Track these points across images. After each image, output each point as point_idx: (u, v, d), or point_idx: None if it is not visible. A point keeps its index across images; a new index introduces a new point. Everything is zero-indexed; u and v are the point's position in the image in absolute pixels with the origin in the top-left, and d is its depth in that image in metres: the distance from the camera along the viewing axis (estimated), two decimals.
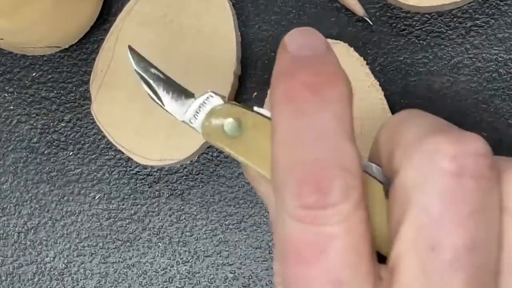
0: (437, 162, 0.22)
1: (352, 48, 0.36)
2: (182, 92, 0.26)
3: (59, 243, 0.39)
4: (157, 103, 0.26)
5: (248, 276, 0.37)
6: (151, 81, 0.26)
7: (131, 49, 0.27)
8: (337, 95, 0.23)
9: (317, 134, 0.23)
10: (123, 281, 0.38)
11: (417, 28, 0.37)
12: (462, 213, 0.22)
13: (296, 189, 0.22)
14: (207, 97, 0.26)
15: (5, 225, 0.40)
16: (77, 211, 0.39)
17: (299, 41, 0.24)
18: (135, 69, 0.26)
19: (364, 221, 0.23)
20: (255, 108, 0.25)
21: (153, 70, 0.27)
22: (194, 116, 0.26)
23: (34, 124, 0.40)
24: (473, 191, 0.22)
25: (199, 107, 0.26)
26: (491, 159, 0.22)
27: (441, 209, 0.22)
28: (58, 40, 0.39)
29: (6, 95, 0.41)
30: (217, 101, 0.26)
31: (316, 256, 0.22)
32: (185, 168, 0.38)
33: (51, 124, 0.40)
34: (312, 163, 0.22)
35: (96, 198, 0.39)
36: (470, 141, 0.22)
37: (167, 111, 0.26)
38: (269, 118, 0.25)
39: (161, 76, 0.27)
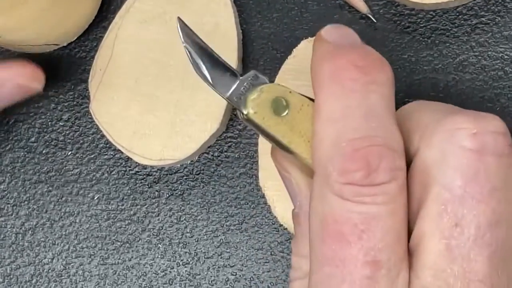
0: (458, 140, 0.22)
1: None
2: (227, 70, 0.26)
3: (58, 244, 0.39)
4: (202, 78, 0.26)
5: (250, 278, 0.37)
6: (197, 57, 0.26)
7: (180, 21, 0.26)
8: (384, 78, 0.24)
9: (365, 112, 0.23)
10: (123, 283, 0.38)
11: (422, 25, 0.37)
12: (484, 190, 0.22)
13: (343, 165, 0.22)
14: (252, 77, 0.26)
15: (3, 226, 0.39)
16: (75, 212, 0.39)
17: (336, 33, 0.25)
18: (182, 43, 0.26)
19: (406, 204, 0.23)
20: (296, 91, 0.26)
21: (200, 46, 0.26)
22: (239, 93, 0.26)
23: (32, 123, 0.40)
24: (494, 168, 0.22)
25: (245, 85, 0.26)
26: (510, 138, 0.23)
27: (463, 185, 0.22)
28: (56, 38, 0.38)
29: None
30: (262, 80, 0.26)
31: (357, 235, 0.22)
32: (185, 168, 0.38)
33: (49, 123, 0.40)
34: (361, 140, 0.22)
35: (95, 198, 0.39)
36: (489, 120, 0.23)
37: (212, 87, 0.26)
38: (313, 100, 0.25)
39: (208, 52, 0.26)
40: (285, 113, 0.25)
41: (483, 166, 0.22)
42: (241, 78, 0.26)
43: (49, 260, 0.39)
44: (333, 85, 0.23)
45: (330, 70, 0.24)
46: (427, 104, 0.26)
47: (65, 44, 0.40)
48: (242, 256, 0.37)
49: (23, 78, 0.36)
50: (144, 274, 0.38)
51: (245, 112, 0.25)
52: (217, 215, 0.38)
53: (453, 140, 0.22)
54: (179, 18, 0.26)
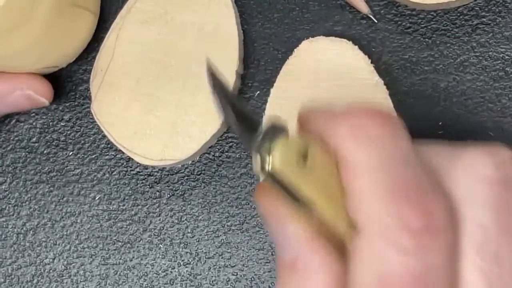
0: (482, 173, 0.22)
1: (356, 46, 0.36)
2: (249, 121, 0.24)
3: (59, 245, 0.39)
4: (231, 128, 0.25)
5: (251, 278, 0.37)
6: (226, 106, 0.25)
7: (209, 65, 0.25)
8: (401, 126, 0.24)
9: (401, 160, 0.22)
10: (124, 283, 0.38)
11: (423, 26, 0.37)
12: (510, 221, 0.22)
13: (400, 213, 0.21)
14: (272, 127, 0.24)
15: (4, 226, 0.39)
16: (77, 212, 0.39)
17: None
18: (211, 91, 0.25)
19: (456, 252, 0.22)
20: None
21: (226, 95, 0.25)
22: (262, 146, 0.23)
23: (34, 124, 0.40)
24: None
25: (267, 137, 0.24)
26: None
27: (495, 221, 0.22)
28: (54, 62, 0.38)
29: None
30: (281, 130, 0.24)
31: None
32: (186, 168, 0.38)
33: (51, 123, 0.40)
34: (411, 186, 0.22)
35: (96, 198, 0.39)
36: (502, 151, 0.23)
37: (240, 140, 0.25)
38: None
39: (233, 101, 0.25)
40: (307, 166, 0.23)
41: (509, 198, 0.22)
42: (262, 130, 0.24)
43: (50, 260, 0.39)
44: (359, 138, 0.23)
45: (350, 125, 0.23)
46: (426, 143, 0.25)
47: (64, 65, 0.39)
48: (243, 256, 0.37)
49: (33, 90, 0.35)
50: (145, 274, 0.38)
51: (269, 168, 0.23)
52: (218, 215, 0.38)
53: (477, 175, 0.22)
54: (208, 60, 0.25)
